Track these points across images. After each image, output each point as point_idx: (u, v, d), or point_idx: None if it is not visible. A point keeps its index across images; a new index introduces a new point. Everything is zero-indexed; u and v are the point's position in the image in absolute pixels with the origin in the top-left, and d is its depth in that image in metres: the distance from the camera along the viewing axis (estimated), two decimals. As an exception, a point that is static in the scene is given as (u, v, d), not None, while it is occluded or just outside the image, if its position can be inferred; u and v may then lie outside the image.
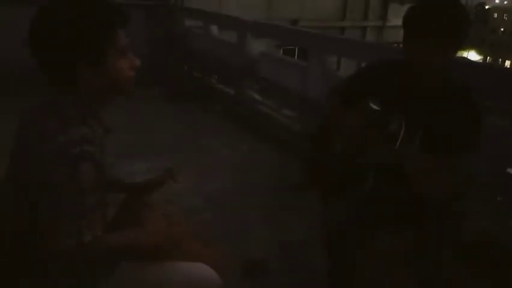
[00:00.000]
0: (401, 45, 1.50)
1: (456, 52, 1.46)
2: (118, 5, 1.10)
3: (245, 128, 4.39)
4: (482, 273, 2.07)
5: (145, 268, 1.26)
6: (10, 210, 1.11)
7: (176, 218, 1.46)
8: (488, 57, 49.48)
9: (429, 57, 1.42)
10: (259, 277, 2.20)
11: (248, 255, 2.30)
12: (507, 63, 46.58)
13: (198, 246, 1.44)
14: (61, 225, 0.99)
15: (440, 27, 1.36)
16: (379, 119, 1.56)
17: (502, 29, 48.04)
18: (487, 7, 53.30)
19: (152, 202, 1.49)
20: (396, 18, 15.50)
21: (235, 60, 4.73)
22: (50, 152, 0.99)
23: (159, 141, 3.90)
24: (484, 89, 1.95)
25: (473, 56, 48.48)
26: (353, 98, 1.69)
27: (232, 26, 4.99)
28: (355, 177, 1.63)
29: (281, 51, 7.45)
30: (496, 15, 49.18)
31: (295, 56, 7.63)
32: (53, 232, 0.99)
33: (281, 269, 2.28)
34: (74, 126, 1.03)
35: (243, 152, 3.86)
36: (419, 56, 1.43)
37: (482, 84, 2.11)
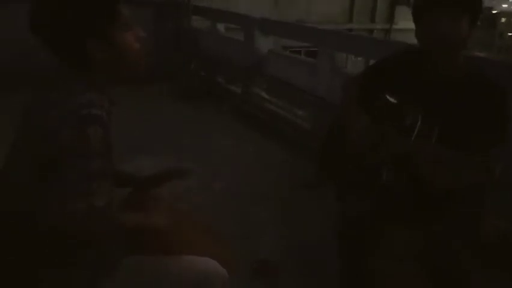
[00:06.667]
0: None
1: (472, 25, 1.41)
2: None
3: (253, 126, 4.36)
4: (502, 273, 2.01)
5: (151, 261, 1.23)
6: (19, 192, 1.09)
7: (186, 212, 1.46)
8: (495, 62, 49.11)
9: (445, 31, 1.37)
10: (269, 277, 2.16)
11: (258, 255, 2.27)
12: (515, 68, 46.20)
13: (206, 240, 1.40)
14: (71, 188, 0.99)
15: None
16: (395, 111, 1.50)
17: (510, 34, 47.80)
18: (494, 12, 53.10)
19: (159, 196, 1.46)
20: (403, 21, 15.46)
21: (243, 58, 4.69)
22: (59, 115, 1.00)
23: (166, 138, 3.87)
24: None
25: (480, 60, 48.09)
26: (370, 89, 1.64)
27: (239, 23, 4.95)
28: (370, 171, 1.57)
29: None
30: (504, 19, 48.97)
31: (302, 58, 7.58)
32: (63, 195, 0.98)
33: (291, 269, 2.24)
34: (81, 93, 1.04)
35: (251, 150, 3.82)
36: (435, 33, 1.39)
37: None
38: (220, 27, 5.37)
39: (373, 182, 1.57)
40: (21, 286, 1.10)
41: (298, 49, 7.88)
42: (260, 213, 2.74)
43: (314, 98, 3.70)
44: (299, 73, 4.02)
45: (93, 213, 0.99)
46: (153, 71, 5.37)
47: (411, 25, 1.55)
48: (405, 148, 1.44)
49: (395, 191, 1.55)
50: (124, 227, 1.14)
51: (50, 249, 1.05)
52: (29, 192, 1.05)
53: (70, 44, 1.08)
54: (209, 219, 1.58)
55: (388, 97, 1.56)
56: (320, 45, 3.77)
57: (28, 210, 1.04)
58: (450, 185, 1.40)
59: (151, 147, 3.59)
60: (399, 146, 1.46)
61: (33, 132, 1.07)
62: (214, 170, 3.30)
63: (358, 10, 15.57)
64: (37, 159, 1.03)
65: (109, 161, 1.09)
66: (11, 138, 1.14)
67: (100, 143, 1.02)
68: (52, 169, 1.00)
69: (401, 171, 1.49)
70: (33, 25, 1.07)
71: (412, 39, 1.62)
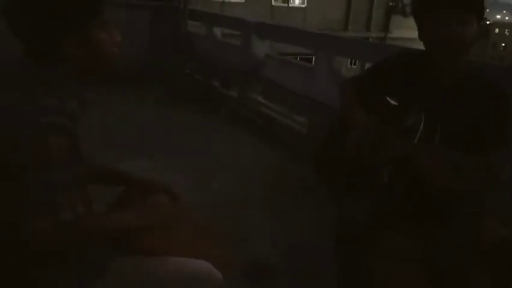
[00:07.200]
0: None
1: (477, 25, 1.38)
2: None
3: (249, 131, 4.32)
4: (502, 277, 1.97)
5: (143, 262, 1.19)
6: None
7: (181, 213, 1.39)
8: (489, 72, 49.56)
9: (455, 32, 1.34)
10: (264, 279, 2.13)
11: (255, 258, 2.24)
12: (508, 78, 46.71)
13: (201, 242, 1.36)
14: (36, 205, 0.92)
15: None
16: (396, 113, 1.48)
17: (503, 44, 48.32)
18: (488, 22, 53.77)
19: (155, 197, 1.40)
20: (398, 29, 15.63)
21: (240, 62, 4.66)
22: (18, 123, 0.93)
23: (161, 142, 3.83)
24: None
25: (473, 70, 48.55)
26: (368, 92, 1.62)
27: (236, 27, 4.93)
28: (369, 174, 1.54)
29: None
30: (497, 30, 49.53)
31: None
32: (28, 212, 0.92)
33: (286, 271, 2.21)
34: (44, 97, 0.96)
35: (248, 153, 3.79)
36: (445, 35, 1.35)
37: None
38: (217, 31, 5.34)
39: (373, 184, 1.54)
40: (8, 286, 1.05)
41: (294, 56, 7.91)
42: (257, 216, 2.71)
43: (311, 102, 3.67)
44: (296, 77, 4.00)
45: (60, 228, 0.93)
46: (150, 74, 5.39)
47: (405, 34, 1.55)
48: (408, 149, 1.41)
49: (396, 192, 1.52)
50: (110, 230, 1.09)
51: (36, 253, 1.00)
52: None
53: (44, 34, 1.01)
54: (205, 221, 1.53)
55: (389, 99, 1.54)
56: (317, 49, 3.75)
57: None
58: (454, 187, 1.37)
59: (147, 150, 3.54)
60: (402, 147, 1.43)
61: None
62: (211, 174, 3.26)
63: (354, 19, 15.74)
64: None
65: (79, 168, 1.02)
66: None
67: (63, 153, 0.95)
68: (14, 181, 0.93)
69: (402, 172, 1.46)
70: (7, 13, 1.00)
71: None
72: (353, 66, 12.07)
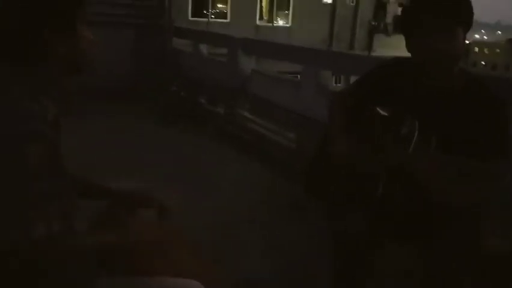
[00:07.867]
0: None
1: (465, 33, 1.37)
2: None
3: (236, 147, 4.28)
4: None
5: (130, 282, 1.14)
6: None
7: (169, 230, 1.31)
8: (469, 90, 50.88)
9: (442, 43, 1.33)
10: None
11: (242, 276, 2.16)
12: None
13: (191, 261, 1.30)
14: (5, 219, 0.84)
15: (444, 5, 1.33)
16: (389, 123, 1.45)
17: (483, 63, 49.56)
18: (467, 41, 55.27)
19: (143, 212, 1.33)
20: (381, 48, 15.93)
21: (226, 78, 4.65)
22: None
23: (148, 161, 3.76)
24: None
25: (454, 88, 49.82)
26: (360, 103, 1.59)
27: (222, 43, 4.93)
28: (363, 185, 1.49)
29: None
30: (476, 49, 50.80)
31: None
32: (4, 225, 0.84)
33: None
34: (23, 101, 0.89)
35: (234, 171, 3.73)
36: (432, 46, 1.34)
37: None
38: (203, 48, 5.34)
39: (367, 195, 1.49)
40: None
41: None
42: (247, 234, 2.65)
43: (299, 117, 3.65)
44: (283, 92, 3.99)
45: (31, 246, 0.85)
46: (136, 91, 5.34)
47: (388, 52, 1.52)
48: (403, 158, 1.38)
49: (392, 204, 1.48)
50: (90, 250, 1.01)
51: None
52: None
53: (28, 32, 0.94)
54: (194, 240, 1.46)
55: (379, 110, 1.51)
56: (303, 64, 3.75)
57: None
58: (451, 192, 1.33)
59: (132, 170, 3.43)
60: (397, 156, 1.40)
61: None
62: (198, 191, 3.18)
63: (337, 38, 16.02)
64: None
65: (58, 179, 0.95)
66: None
67: (41, 163, 0.88)
68: None
69: (396, 183, 1.42)
70: None
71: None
72: (338, 85, 12.21)
